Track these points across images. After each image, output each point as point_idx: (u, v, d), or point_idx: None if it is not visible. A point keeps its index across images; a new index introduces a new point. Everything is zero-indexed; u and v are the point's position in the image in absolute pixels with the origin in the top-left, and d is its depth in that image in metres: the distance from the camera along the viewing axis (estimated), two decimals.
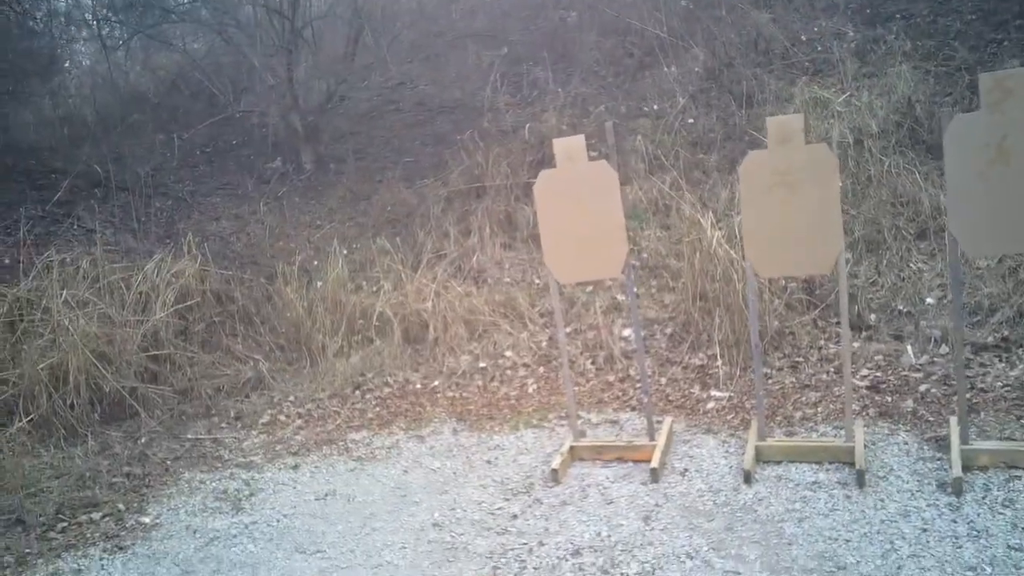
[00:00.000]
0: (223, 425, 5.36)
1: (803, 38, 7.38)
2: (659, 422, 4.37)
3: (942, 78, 6.32)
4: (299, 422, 5.28)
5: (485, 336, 5.74)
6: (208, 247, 6.95)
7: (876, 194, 5.54)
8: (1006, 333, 4.48)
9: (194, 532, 4.10)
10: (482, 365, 5.52)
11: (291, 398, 5.55)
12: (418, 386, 5.47)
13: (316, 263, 6.82)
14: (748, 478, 3.82)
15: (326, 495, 4.31)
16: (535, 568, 3.40)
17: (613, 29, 8.68)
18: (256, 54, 8.57)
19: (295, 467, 4.70)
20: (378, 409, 5.29)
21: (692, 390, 4.82)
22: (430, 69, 9.75)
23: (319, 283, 6.38)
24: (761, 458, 3.98)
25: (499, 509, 3.92)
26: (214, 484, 4.60)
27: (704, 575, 3.20)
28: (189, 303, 6.17)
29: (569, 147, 4.06)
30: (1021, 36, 6.48)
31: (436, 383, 5.46)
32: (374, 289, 6.31)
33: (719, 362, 4.88)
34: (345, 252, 6.73)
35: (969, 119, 3.43)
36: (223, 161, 9.06)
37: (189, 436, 5.25)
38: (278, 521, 4.10)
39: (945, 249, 4.81)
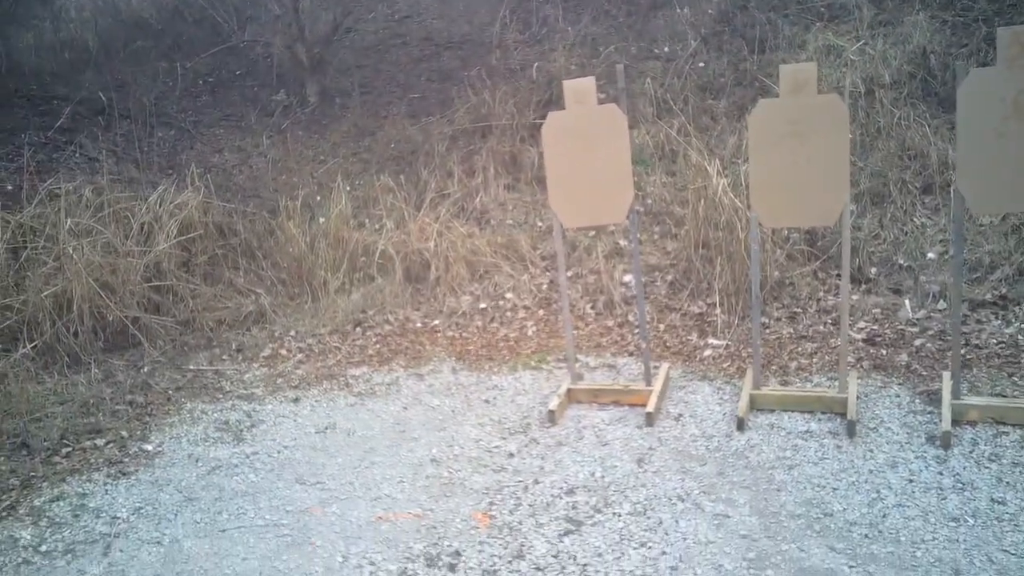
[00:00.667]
0: (224, 357, 5.42)
1: None
2: (656, 368, 4.42)
3: (959, 29, 6.20)
4: (300, 356, 5.34)
5: (486, 277, 5.76)
6: (211, 179, 6.92)
7: (884, 146, 5.49)
8: (1004, 291, 4.50)
9: (196, 461, 4.20)
10: (482, 306, 5.56)
11: (292, 332, 5.60)
12: (418, 325, 5.52)
13: (319, 198, 6.80)
14: (741, 425, 3.88)
15: (326, 428, 4.39)
16: (530, 505, 3.48)
17: None
18: None
19: (296, 400, 4.77)
20: (378, 346, 5.35)
21: (690, 337, 4.86)
22: (438, 2, 9.57)
23: (322, 219, 6.38)
24: (755, 406, 4.04)
25: (496, 447, 4.00)
26: (216, 415, 4.68)
27: (694, 517, 3.28)
28: (192, 235, 6.18)
29: (579, 89, 4.01)
30: None
31: (436, 322, 5.51)
32: (377, 227, 6.31)
33: (718, 310, 4.91)
34: (348, 188, 6.71)
35: (985, 74, 3.38)
36: (226, 92, 8.95)
37: (191, 367, 5.31)
38: (279, 452, 4.19)
39: (950, 204, 4.79)
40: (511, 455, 3.91)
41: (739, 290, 4.91)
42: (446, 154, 6.92)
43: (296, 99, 8.56)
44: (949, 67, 5.70)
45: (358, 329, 5.57)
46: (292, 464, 4.06)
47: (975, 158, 3.42)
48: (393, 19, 9.68)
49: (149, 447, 4.37)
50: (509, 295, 5.59)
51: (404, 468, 3.90)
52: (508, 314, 5.46)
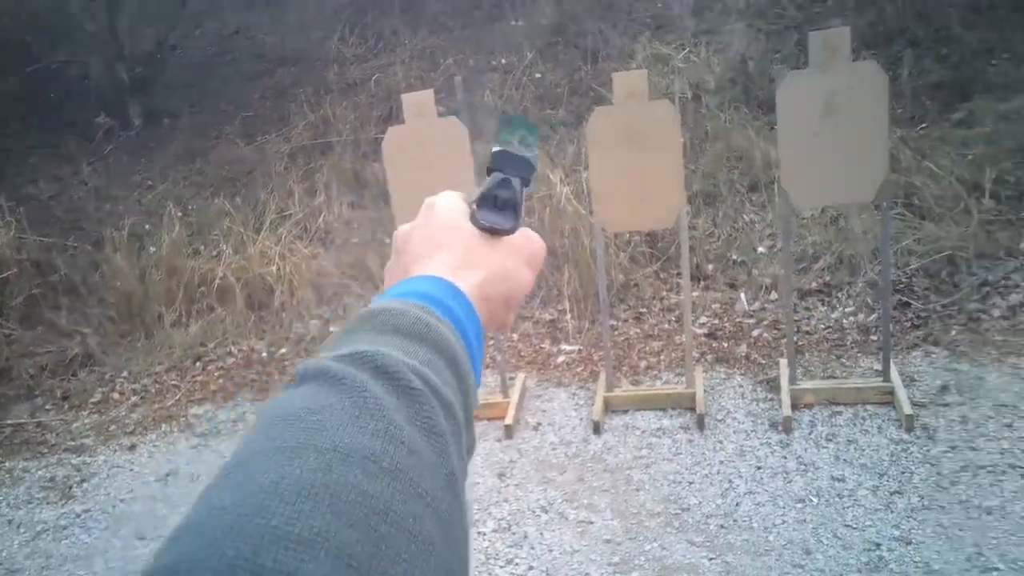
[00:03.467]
0: (48, 407, 4.96)
1: None
2: (512, 378, 4.41)
3: (773, 36, 6.61)
4: (134, 399, 4.96)
5: (335, 299, 5.58)
6: (24, 212, 6.34)
7: (713, 149, 5.75)
8: (828, 279, 4.80)
9: (18, 527, 3.79)
10: (333, 330, 5.37)
11: (124, 374, 5.20)
12: (264, 355, 5.26)
13: (148, 227, 6.37)
14: (597, 428, 3.93)
15: (167, 475, 4.09)
16: None
17: None
18: None
19: (131, 448, 4.42)
20: (221, 381, 5.05)
21: (543, 345, 4.89)
22: (269, 18, 9.24)
23: (152, 249, 5.98)
24: (609, 408, 4.10)
25: None
26: (40, 472, 4.26)
27: (558, 527, 3.28)
28: (4, 274, 5.63)
29: (418, 102, 3.95)
30: None
31: (284, 351, 5.27)
32: (214, 253, 5.98)
33: (568, 316, 4.97)
34: (181, 214, 6.33)
35: (799, 77, 3.58)
36: (40, 117, 8.26)
37: (9, 421, 4.82)
38: (114, 507, 3.85)
39: (775, 201, 5.07)
40: None
41: (587, 295, 4.98)
42: (285, 173, 6.67)
43: (119, 122, 8.01)
44: (766, 72, 6.05)
45: (198, 364, 5.24)
46: (130, 519, 3.75)
47: (795, 156, 3.61)
48: (222, 35, 9.27)
49: None
50: None
51: None
52: None
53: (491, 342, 4.78)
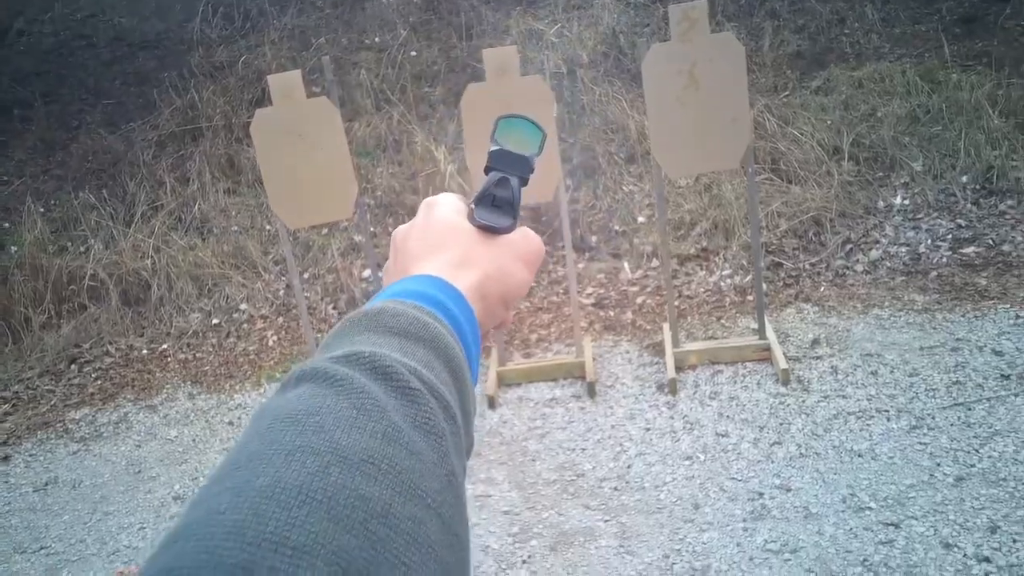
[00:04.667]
0: None
1: None
2: None
3: (640, 9, 6.76)
4: (5, 407, 4.66)
5: (216, 290, 5.39)
6: None
7: (590, 122, 5.86)
8: (705, 244, 5.00)
9: None
10: (215, 321, 5.20)
11: None
12: (144, 352, 5.04)
13: (7, 225, 5.97)
14: (492, 403, 3.97)
15: (46, 484, 3.88)
16: None
17: None
18: None
19: (5, 458, 4.17)
20: (100, 382, 4.81)
21: None
22: None
23: (13, 248, 5.61)
24: (503, 382, 4.15)
25: None
26: None
27: None
28: None
29: (285, 83, 3.84)
30: None
31: (165, 346, 5.06)
32: (82, 249, 5.66)
33: None
34: (42, 210, 5.95)
35: (663, 48, 3.69)
36: None
37: None
38: None
39: (651, 171, 5.22)
40: None
41: None
42: (154, 162, 6.37)
43: None
44: (636, 45, 6.19)
45: (73, 367, 4.97)
46: (7, 532, 3.54)
47: (664, 127, 3.73)
48: (74, 19, 8.70)
49: None
50: (244, 306, 5.28)
51: (144, 513, 3.54)
52: (245, 326, 5.16)
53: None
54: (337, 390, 0.44)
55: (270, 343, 4.99)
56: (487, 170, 0.64)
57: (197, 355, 4.97)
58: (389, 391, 0.45)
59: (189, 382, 4.71)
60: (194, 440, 4.10)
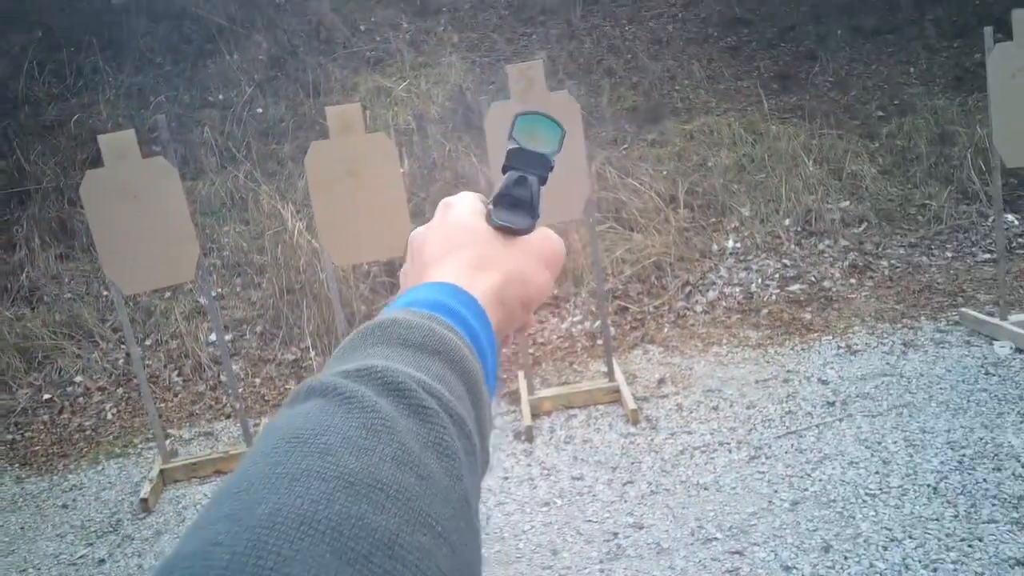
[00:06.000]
0: None
1: (362, 28, 7.61)
2: (256, 425, 4.24)
3: (486, 68, 6.98)
4: None
5: (47, 363, 5.03)
6: None
7: (441, 176, 5.95)
8: (556, 292, 5.14)
9: None
10: (47, 397, 4.83)
11: None
12: None
13: None
14: None
15: None
16: None
17: (165, 14, 8.08)
18: None
19: None
20: None
21: (288, 386, 4.75)
22: None
23: None
24: None
25: (81, 557, 3.48)
26: None
27: None
28: None
29: (118, 143, 3.69)
30: (545, 31, 7.41)
31: None
32: None
33: (312, 354, 4.88)
34: None
35: (506, 106, 3.81)
36: None
37: None
38: None
39: None
40: (102, 561, 3.44)
41: (329, 330, 4.92)
42: None
43: None
44: (479, 103, 6.37)
45: None
46: None
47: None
48: None
49: None
50: (79, 378, 4.94)
51: None
52: (80, 400, 4.82)
53: (231, 391, 4.58)
54: (347, 408, 0.42)
55: (109, 416, 4.68)
56: (505, 169, 0.63)
57: (26, 435, 4.59)
58: (401, 409, 0.43)
59: (17, 465, 4.34)
60: (22, 528, 3.77)
